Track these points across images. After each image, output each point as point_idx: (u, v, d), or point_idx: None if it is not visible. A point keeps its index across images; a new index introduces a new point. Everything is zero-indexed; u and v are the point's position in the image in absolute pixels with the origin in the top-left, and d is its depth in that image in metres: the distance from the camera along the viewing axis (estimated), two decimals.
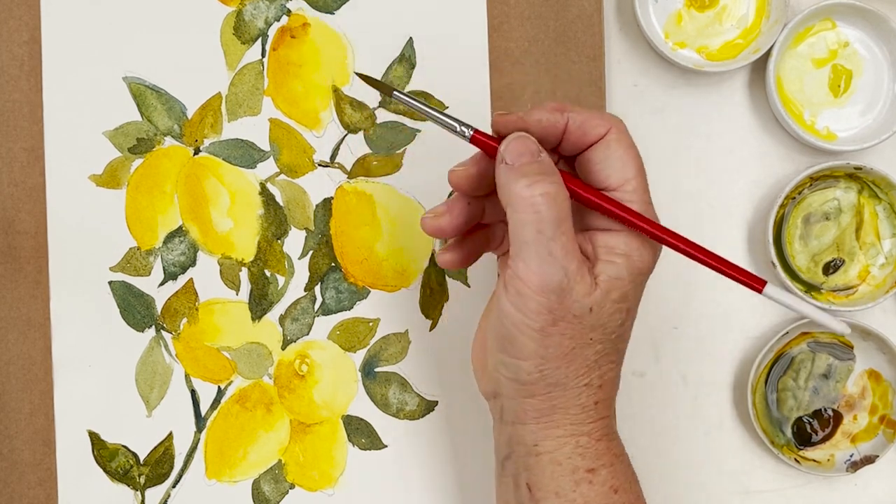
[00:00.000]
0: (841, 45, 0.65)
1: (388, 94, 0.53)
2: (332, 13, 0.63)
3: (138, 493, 0.62)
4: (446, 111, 0.62)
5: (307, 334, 0.63)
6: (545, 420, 0.51)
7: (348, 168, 0.63)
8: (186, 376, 0.62)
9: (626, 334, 0.52)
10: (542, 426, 0.51)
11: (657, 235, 0.50)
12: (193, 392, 0.62)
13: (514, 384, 0.51)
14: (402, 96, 0.52)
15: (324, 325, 0.63)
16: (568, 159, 0.53)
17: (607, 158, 0.51)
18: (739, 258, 0.65)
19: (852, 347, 0.65)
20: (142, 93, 0.62)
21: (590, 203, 0.51)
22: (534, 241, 0.48)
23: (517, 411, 0.51)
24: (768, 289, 0.50)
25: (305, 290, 0.63)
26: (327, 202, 0.63)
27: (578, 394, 0.50)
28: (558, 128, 0.51)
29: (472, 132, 0.51)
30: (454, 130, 0.51)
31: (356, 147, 0.63)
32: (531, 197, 0.48)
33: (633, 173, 0.51)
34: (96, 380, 0.62)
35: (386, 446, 0.63)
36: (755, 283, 0.50)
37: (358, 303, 0.63)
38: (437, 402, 0.63)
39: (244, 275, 0.62)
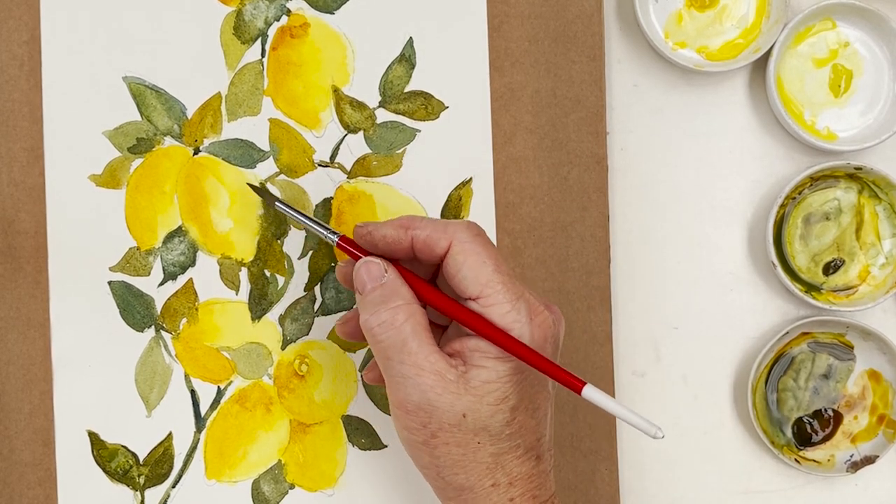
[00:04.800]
0: (841, 45, 0.65)
1: (270, 205, 0.57)
2: (332, 13, 0.63)
3: (138, 493, 0.62)
4: (444, 109, 0.62)
5: (307, 334, 0.63)
6: None
7: (348, 168, 0.63)
8: (186, 376, 0.62)
9: (527, 429, 0.51)
10: None
11: (500, 343, 0.50)
12: (193, 392, 0.62)
13: (434, 490, 0.53)
14: (282, 207, 0.56)
15: (324, 325, 0.63)
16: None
17: (458, 272, 0.51)
18: (739, 258, 0.65)
19: (852, 347, 0.65)
20: (141, 93, 0.62)
21: (445, 312, 0.52)
22: (384, 367, 0.50)
23: None
24: (587, 390, 0.50)
25: (305, 290, 0.63)
26: (327, 202, 0.63)
27: (488, 495, 0.51)
28: (404, 245, 0.52)
29: (337, 239, 0.54)
30: (323, 237, 0.55)
31: (356, 147, 0.63)
32: (371, 329, 0.50)
33: (487, 279, 0.50)
34: (96, 380, 0.62)
35: (386, 446, 0.63)
36: (576, 383, 0.50)
37: None
38: None
39: (244, 275, 0.62)
